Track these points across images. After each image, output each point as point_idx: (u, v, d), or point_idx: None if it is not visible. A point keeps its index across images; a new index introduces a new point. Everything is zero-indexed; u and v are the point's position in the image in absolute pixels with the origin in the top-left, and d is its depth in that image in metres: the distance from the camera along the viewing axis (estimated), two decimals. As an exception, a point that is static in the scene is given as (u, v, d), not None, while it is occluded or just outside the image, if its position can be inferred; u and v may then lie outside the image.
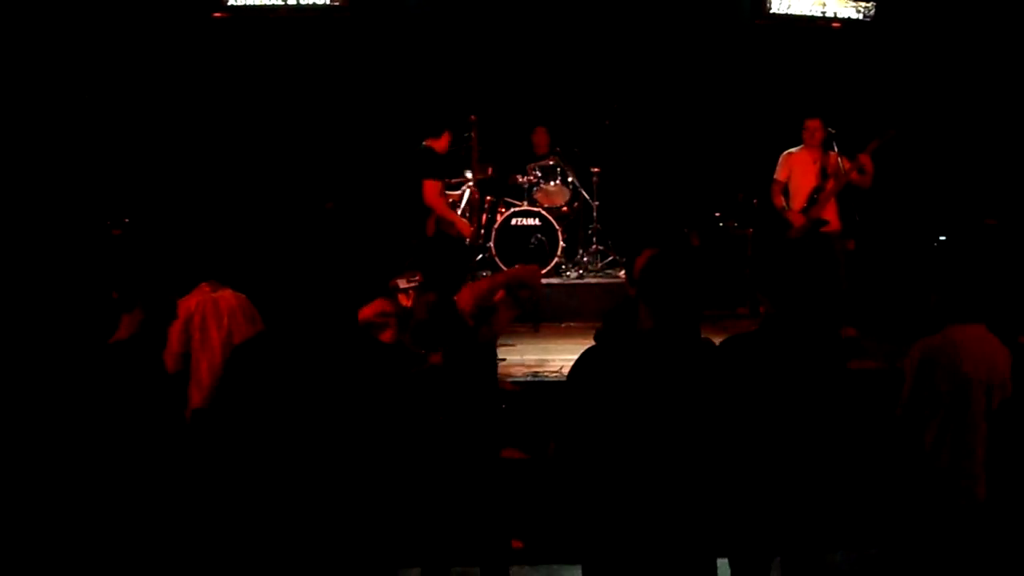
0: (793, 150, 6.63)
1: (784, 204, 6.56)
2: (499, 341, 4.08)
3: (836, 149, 6.44)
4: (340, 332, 2.41)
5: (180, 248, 5.42)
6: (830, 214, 6.44)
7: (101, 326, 3.22)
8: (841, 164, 6.36)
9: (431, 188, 6.19)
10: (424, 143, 6.32)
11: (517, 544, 4.16)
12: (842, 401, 3.09)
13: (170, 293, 3.28)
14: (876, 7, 8.55)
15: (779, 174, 6.60)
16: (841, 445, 3.15)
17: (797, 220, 6.45)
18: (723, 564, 2.82)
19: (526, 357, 6.27)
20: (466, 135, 7.25)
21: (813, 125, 6.48)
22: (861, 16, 8.61)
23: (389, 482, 2.40)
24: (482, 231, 7.60)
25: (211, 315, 4.33)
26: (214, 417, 2.67)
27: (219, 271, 4.51)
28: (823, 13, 8.58)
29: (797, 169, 6.55)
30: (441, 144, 6.29)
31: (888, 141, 6.28)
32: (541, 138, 8.37)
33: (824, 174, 6.42)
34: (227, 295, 4.43)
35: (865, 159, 6.27)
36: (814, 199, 6.43)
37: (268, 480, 2.34)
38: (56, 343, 4.66)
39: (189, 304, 4.27)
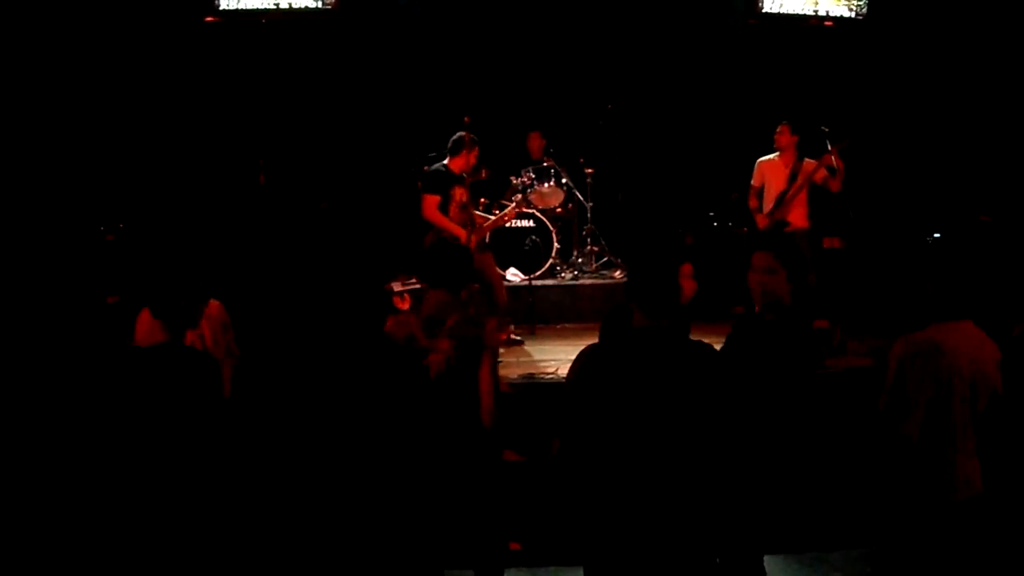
0: (767, 157, 6.92)
1: (757, 206, 6.92)
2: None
3: (806, 158, 6.72)
4: (359, 338, 2.41)
5: (170, 252, 5.38)
6: (795, 215, 6.75)
7: (96, 331, 3.18)
8: (812, 168, 6.64)
9: (429, 202, 6.26)
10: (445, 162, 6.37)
11: (515, 546, 4.16)
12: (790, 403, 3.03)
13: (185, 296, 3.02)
14: (868, 5, 8.57)
15: (754, 180, 6.97)
16: (794, 445, 3.14)
17: (761, 222, 6.87)
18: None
19: (522, 359, 6.28)
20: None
21: (780, 130, 6.78)
22: (853, 14, 8.63)
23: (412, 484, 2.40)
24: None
25: None
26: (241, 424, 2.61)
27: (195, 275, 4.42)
28: (815, 12, 8.61)
29: (769, 175, 6.87)
30: (456, 164, 6.30)
31: (848, 145, 6.60)
32: (535, 143, 8.37)
33: (793, 179, 6.72)
34: None
35: (830, 158, 6.52)
36: (780, 202, 6.74)
37: (294, 482, 2.36)
38: (52, 348, 4.63)
39: None
